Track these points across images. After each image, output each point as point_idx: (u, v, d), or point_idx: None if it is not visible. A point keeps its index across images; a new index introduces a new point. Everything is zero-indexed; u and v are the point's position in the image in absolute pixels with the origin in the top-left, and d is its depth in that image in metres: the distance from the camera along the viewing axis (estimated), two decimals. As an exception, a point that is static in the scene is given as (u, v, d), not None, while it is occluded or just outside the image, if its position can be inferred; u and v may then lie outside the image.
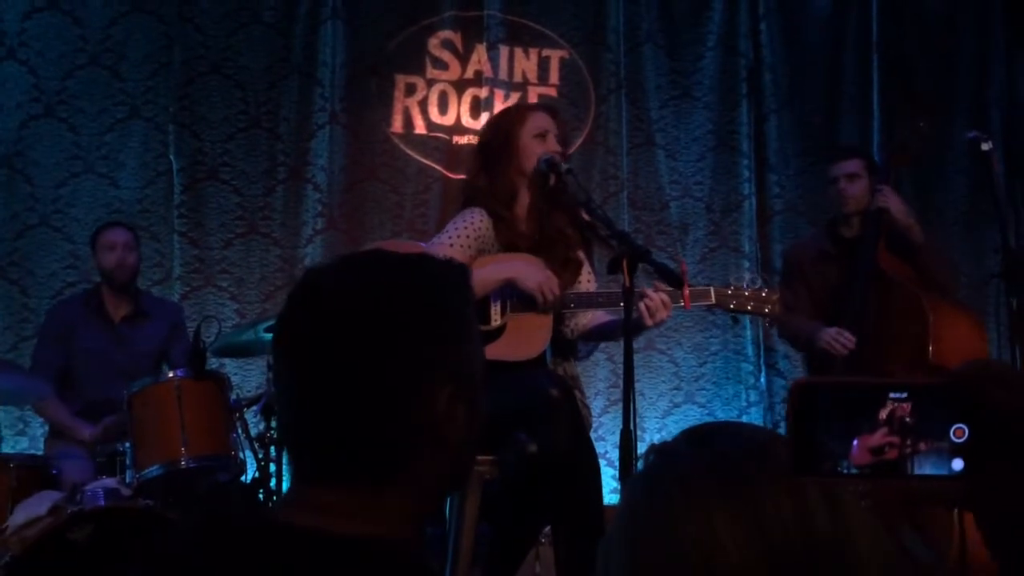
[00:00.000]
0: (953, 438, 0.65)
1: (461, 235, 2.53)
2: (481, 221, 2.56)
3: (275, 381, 0.94)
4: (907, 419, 0.65)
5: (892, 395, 0.65)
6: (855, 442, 0.65)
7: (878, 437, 0.65)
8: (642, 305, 2.32)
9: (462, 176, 3.43)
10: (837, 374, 3.14)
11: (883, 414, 0.65)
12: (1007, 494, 0.65)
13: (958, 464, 0.64)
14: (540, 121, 2.64)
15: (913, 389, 0.65)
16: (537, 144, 2.60)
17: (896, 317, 3.13)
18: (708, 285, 2.53)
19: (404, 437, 0.87)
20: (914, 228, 3.22)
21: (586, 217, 2.57)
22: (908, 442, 0.64)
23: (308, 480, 0.89)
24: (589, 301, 2.56)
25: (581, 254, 2.69)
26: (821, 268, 3.41)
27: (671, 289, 2.35)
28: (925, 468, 0.64)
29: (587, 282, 2.70)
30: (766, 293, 2.50)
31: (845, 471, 0.65)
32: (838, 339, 3.16)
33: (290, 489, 0.92)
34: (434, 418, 0.87)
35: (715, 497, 0.66)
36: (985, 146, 3.08)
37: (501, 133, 2.65)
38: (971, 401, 0.64)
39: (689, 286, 2.38)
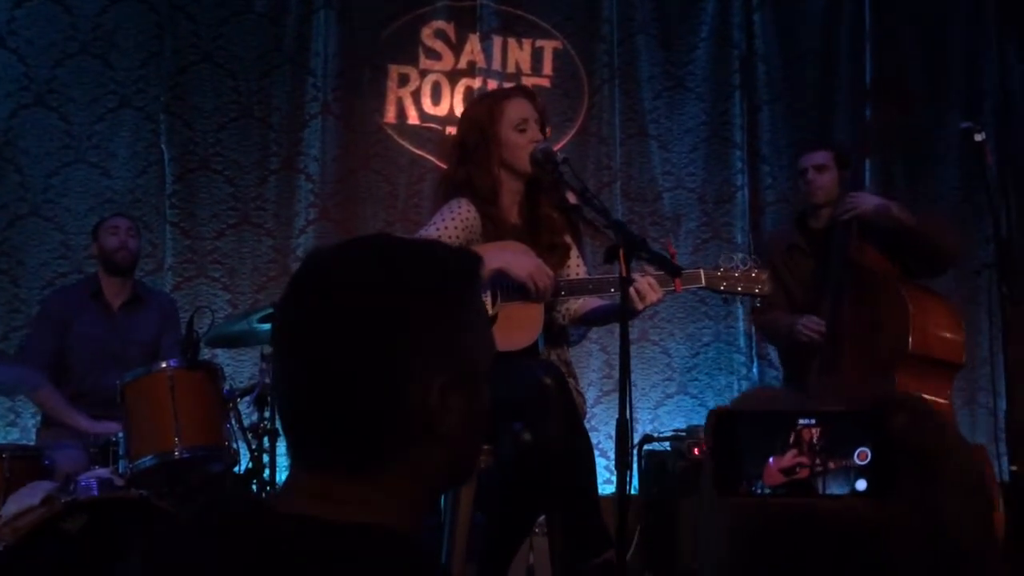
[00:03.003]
0: (857, 460, 0.68)
1: (448, 226, 2.52)
2: (468, 211, 2.55)
3: (274, 366, 0.92)
4: (815, 441, 0.69)
5: (801, 421, 0.68)
6: (768, 462, 0.67)
7: (789, 458, 0.68)
8: (632, 289, 2.31)
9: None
10: (816, 369, 3.15)
11: (793, 437, 0.68)
12: (908, 511, 0.69)
13: (861, 484, 0.69)
14: (518, 110, 2.59)
15: (821, 416, 0.69)
16: (519, 136, 2.56)
17: (874, 310, 3.13)
18: (697, 268, 2.53)
19: (395, 426, 0.85)
20: (899, 217, 3.18)
21: (573, 201, 2.56)
22: (817, 461, 0.68)
23: (306, 466, 0.88)
24: (580, 288, 2.56)
25: (568, 238, 2.68)
26: (793, 261, 3.41)
27: (660, 273, 2.34)
28: (833, 488, 0.69)
29: (576, 266, 2.69)
30: (755, 273, 2.50)
31: (759, 491, 0.67)
32: (807, 325, 3.17)
33: (289, 476, 0.92)
34: (427, 408, 0.86)
35: None
36: (978, 136, 3.09)
37: (477, 127, 2.59)
38: (874, 426, 0.69)
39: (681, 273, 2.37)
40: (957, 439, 0.75)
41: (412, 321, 0.86)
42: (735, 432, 0.70)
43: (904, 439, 0.70)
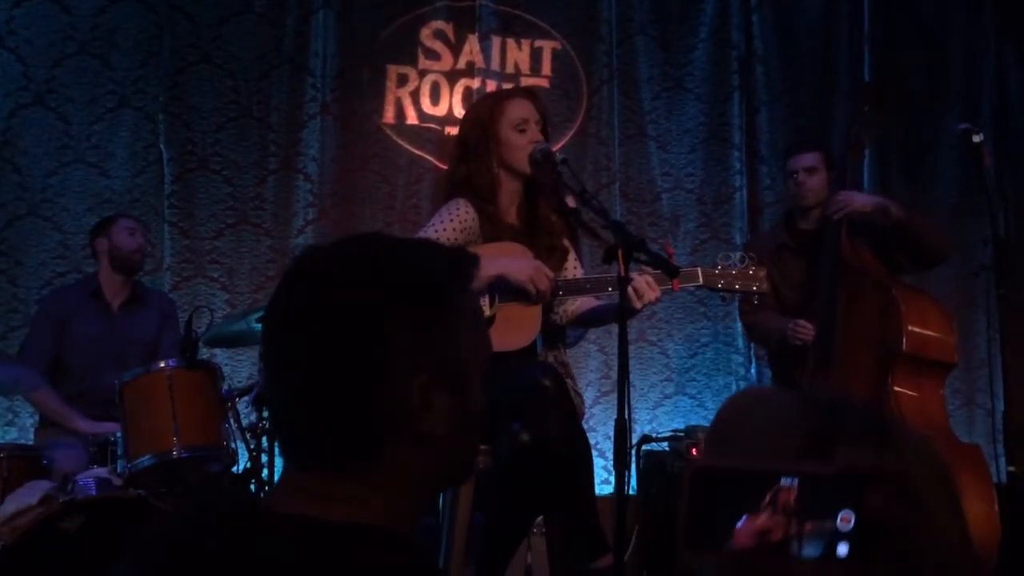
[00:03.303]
0: (840, 524, 0.66)
1: (447, 227, 2.52)
2: (467, 212, 2.55)
3: (263, 363, 0.93)
4: (793, 501, 0.67)
5: (784, 481, 0.67)
6: (741, 523, 0.66)
7: (764, 519, 0.66)
8: (630, 288, 2.31)
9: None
10: (808, 370, 3.16)
11: (769, 496, 0.67)
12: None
13: (843, 549, 0.66)
14: (519, 110, 2.59)
15: (803, 476, 0.67)
16: (518, 136, 2.57)
17: (866, 311, 3.14)
18: (695, 266, 2.54)
19: (376, 424, 0.85)
20: (888, 209, 3.20)
21: (571, 204, 2.56)
22: (793, 523, 0.66)
23: (297, 465, 0.89)
24: (577, 288, 2.56)
25: (566, 241, 2.68)
26: (782, 262, 3.41)
27: (658, 271, 2.35)
28: (808, 550, 0.66)
29: (573, 268, 2.69)
30: (753, 271, 2.51)
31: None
32: (796, 331, 3.17)
33: (282, 475, 0.92)
34: (405, 407, 0.85)
35: None
36: (976, 138, 3.10)
37: (478, 126, 2.61)
38: (856, 494, 0.67)
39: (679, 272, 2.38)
40: (940, 507, 0.74)
41: (392, 319, 0.86)
42: (713, 489, 0.68)
43: (881, 518, 0.69)
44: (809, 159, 3.41)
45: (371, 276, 0.87)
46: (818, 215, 3.35)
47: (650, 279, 2.36)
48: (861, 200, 3.23)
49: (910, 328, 3.08)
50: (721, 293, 2.53)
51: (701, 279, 2.49)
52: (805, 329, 3.17)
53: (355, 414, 0.85)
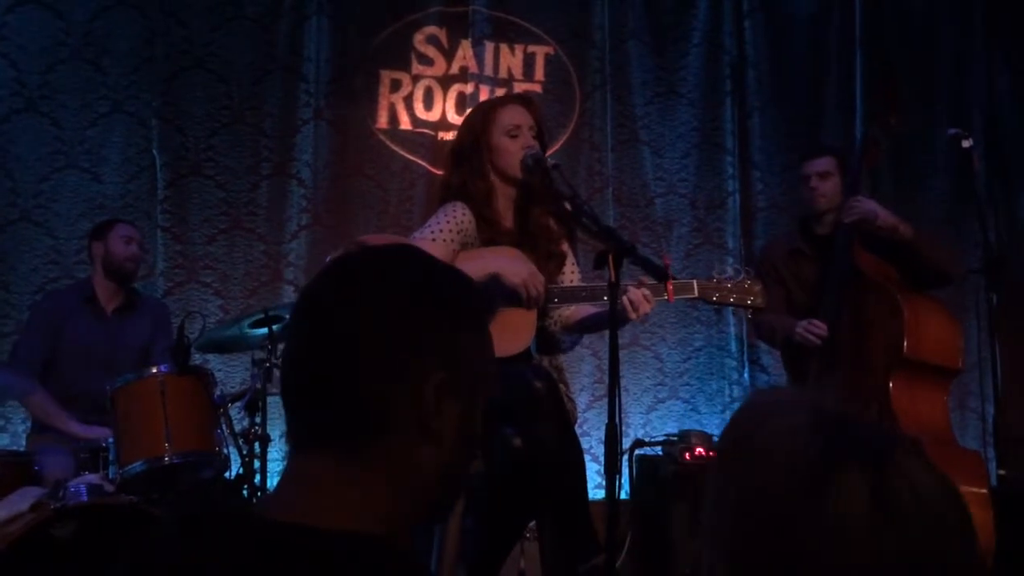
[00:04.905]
0: None
1: (444, 229, 2.53)
2: (464, 215, 2.56)
3: (287, 336, 0.98)
4: None
5: None
6: None
7: None
8: (625, 299, 2.33)
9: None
10: (814, 371, 3.16)
11: None
12: None
13: None
14: (511, 116, 2.60)
15: None
16: (510, 142, 2.57)
17: (870, 314, 3.14)
18: (691, 278, 2.54)
19: (385, 405, 0.88)
20: (899, 226, 3.20)
21: (569, 209, 2.57)
22: None
23: (303, 444, 0.91)
24: (573, 295, 2.56)
25: (565, 247, 2.69)
26: (795, 266, 3.42)
27: (654, 283, 2.35)
28: None
29: (571, 274, 2.70)
30: (748, 284, 2.51)
31: None
32: (809, 328, 3.17)
33: (287, 464, 0.94)
34: (419, 398, 0.88)
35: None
36: (965, 143, 3.11)
37: (471, 134, 2.62)
38: None
39: (672, 279, 2.38)
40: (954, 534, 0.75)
41: (428, 321, 0.91)
42: None
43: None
44: (823, 163, 3.38)
45: (418, 279, 0.94)
46: (832, 220, 3.33)
47: (647, 292, 2.37)
48: (872, 207, 3.20)
49: (911, 332, 3.07)
50: (716, 306, 2.54)
51: (696, 291, 2.49)
52: (815, 328, 3.16)
53: (371, 393, 0.88)
